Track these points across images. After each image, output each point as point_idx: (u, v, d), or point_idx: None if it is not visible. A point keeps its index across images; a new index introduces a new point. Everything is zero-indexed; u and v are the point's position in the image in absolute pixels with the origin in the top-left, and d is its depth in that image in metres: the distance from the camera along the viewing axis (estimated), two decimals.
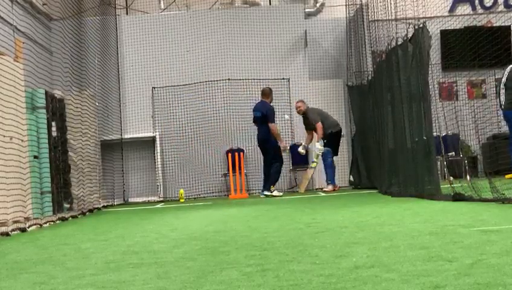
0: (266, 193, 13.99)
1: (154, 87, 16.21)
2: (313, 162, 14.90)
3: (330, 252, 4.25)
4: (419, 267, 3.39)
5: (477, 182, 9.50)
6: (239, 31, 16.31)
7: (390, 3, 13.92)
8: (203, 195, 15.78)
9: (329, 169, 14.73)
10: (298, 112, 14.98)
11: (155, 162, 16.07)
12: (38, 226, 8.78)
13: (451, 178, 10.73)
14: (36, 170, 10.24)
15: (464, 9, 16.73)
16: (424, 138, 9.50)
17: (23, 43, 12.04)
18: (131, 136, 16.14)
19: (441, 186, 9.23)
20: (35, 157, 10.29)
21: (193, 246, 5.18)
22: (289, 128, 16.03)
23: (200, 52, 16.30)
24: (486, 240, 4.27)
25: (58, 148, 11.34)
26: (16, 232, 7.92)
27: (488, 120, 12.26)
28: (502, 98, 11.27)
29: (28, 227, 8.38)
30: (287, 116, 15.74)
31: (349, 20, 16.51)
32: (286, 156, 15.21)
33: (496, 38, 12.66)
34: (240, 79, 16.05)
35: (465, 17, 16.13)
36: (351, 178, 15.81)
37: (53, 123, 11.15)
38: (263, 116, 13.90)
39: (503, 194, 7.37)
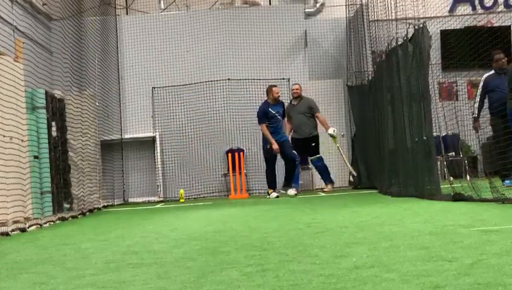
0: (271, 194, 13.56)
1: (154, 87, 16.21)
2: (338, 147, 14.61)
3: (330, 252, 4.25)
4: (419, 267, 3.39)
5: (477, 182, 9.50)
6: (239, 31, 16.31)
7: (390, 3, 13.92)
8: (203, 195, 15.78)
9: (325, 173, 14.65)
10: (294, 94, 14.61)
11: (155, 162, 16.07)
12: (38, 226, 8.78)
13: (451, 178, 10.72)
14: (36, 170, 10.23)
15: (464, 9, 16.72)
16: (424, 138, 9.49)
17: (23, 43, 12.04)
18: (131, 136, 16.13)
19: (441, 186, 9.23)
20: (35, 157, 10.29)
21: (193, 246, 5.18)
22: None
23: (200, 52, 16.30)
24: (486, 240, 4.27)
25: (58, 148, 11.33)
26: (15, 232, 7.92)
27: (488, 120, 12.27)
28: (476, 105, 11.46)
29: (28, 227, 8.38)
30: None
31: (349, 20, 16.51)
32: None
33: (496, 38, 12.66)
34: (240, 79, 16.05)
35: (465, 17, 16.12)
36: (351, 178, 15.80)
37: (53, 123, 11.14)
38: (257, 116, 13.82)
39: (503, 194, 7.37)
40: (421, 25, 9.54)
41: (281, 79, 15.85)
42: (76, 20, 12.95)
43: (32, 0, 13.68)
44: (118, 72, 16.17)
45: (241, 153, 15.44)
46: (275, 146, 13.42)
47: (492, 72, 11.56)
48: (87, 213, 11.54)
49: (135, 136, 16.16)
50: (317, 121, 14.61)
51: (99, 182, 13.81)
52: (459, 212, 6.54)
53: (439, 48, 16.01)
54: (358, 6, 16.21)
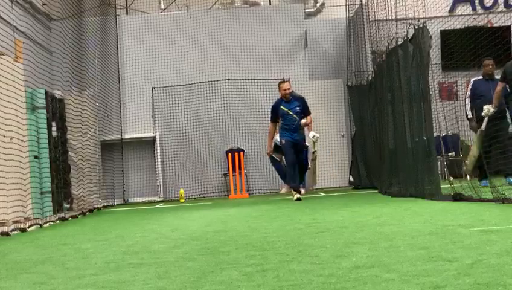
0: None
1: (154, 87, 16.21)
2: (313, 152, 13.31)
3: (330, 252, 4.25)
4: (419, 267, 3.39)
5: (477, 182, 9.50)
6: (239, 31, 16.31)
7: (391, 4, 13.92)
8: (203, 195, 15.78)
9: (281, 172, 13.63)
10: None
11: (155, 162, 16.07)
12: (38, 226, 8.79)
13: (451, 178, 10.72)
14: (36, 170, 10.24)
15: (464, 9, 16.71)
16: (424, 138, 9.49)
17: (23, 43, 12.03)
18: (131, 136, 16.13)
19: (441, 186, 9.23)
20: (36, 157, 10.29)
21: (193, 246, 5.18)
22: None
23: (200, 52, 16.30)
24: (486, 240, 4.27)
25: (58, 148, 11.34)
26: (15, 232, 7.92)
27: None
28: (468, 106, 11.58)
29: (28, 227, 8.38)
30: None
31: (349, 20, 16.51)
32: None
33: (496, 38, 12.66)
34: (240, 79, 16.05)
35: (465, 17, 16.12)
36: (351, 178, 15.80)
37: (53, 123, 11.15)
38: None
39: (503, 194, 7.37)
40: (421, 25, 9.54)
41: (281, 79, 15.83)
42: (76, 20, 12.96)
43: (32, 0, 13.68)
44: (118, 72, 16.17)
45: (241, 153, 15.44)
46: (268, 149, 12.81)
47: (480, 77, 11.71)
48: (87, 213, 11.54)
49: (135, 136, 16.16)
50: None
51: (99, 182, 13.81)
52: (459, 212, 6.54)
53: (439, 48, 16.01)
54: (358, 6, 16.22)
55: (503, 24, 15.97)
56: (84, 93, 12.68)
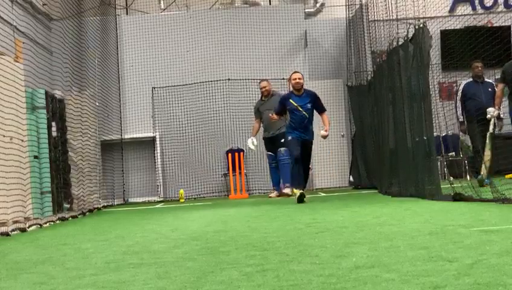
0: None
1: (154, 87, 16.21)
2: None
3: (330, 252, 4.25)
4: (419, 267, 3.39)
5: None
6: (239, 31, 16.31)
7: (391, 3, 13.92)
8: (203, 195, 15.78)
9: (275, 174, 13.66)
10: (264, 92, 13.48)
11: (155, 162, 16.07)
12: (38, 226, 8.78)
13: (451, 178, 10.73)
14: (36, 170, 10.24)
15: (464, 9, 16.71)
16: (425, 138, 9.49)
17: (23, 43, 12.03)
18: (131, 136, 16.14)
19: (441, 186, 9.23)
20: (35, 157, 10.29)
21: (193, 246, 5.18)
22: None
23: (200, 52, 16.30)
24: (486, 240, 4.27)
25: (58, 148, 11.33)
26: (15, 232, 7.92)
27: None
28: (460, 110, 11.69)
29: (28, 227, 8.38)
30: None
31: (349, 20, 16.51)
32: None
33: (496, 38, 12.67)
34: (240, 79, 16.05)
35: (465, 17, 16.12)
36: (351, 178, 15.80)
37: (53, 123, 11.14)
38: None
39: (503, 194, 7.37)
40: (421, 25, 9.54)
41: (281, 79, 15.84)
42: (76, 20, 12.95)
43: (32, 0, 13.68)
44: (118, 72, 16.18)
45: (241, 153, 15.44)
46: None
47: (471, 79, 11.76)
48: (87, 213, 11.54)
49: (135, 136, 16.17)
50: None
51: (99, 182, 13.81)
52: (459, 212, 6.54)
53: (439, 48, 16.01)
54: (358, 6, 16.22)
55: (503, 24, 15.98)
56: (84, 93, 12.68)
